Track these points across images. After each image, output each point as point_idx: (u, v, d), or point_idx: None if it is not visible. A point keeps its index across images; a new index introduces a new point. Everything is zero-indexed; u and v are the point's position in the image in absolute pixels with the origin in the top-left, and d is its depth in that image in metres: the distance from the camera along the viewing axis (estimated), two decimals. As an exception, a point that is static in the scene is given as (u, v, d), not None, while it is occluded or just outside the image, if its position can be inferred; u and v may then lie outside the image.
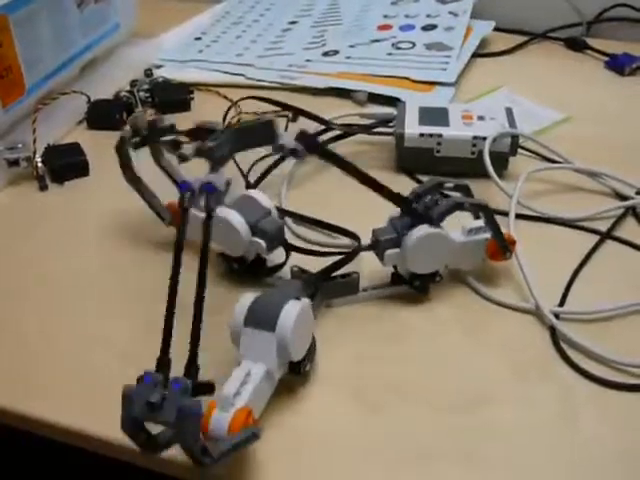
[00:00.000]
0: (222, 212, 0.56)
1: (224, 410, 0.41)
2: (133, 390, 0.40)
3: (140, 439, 0.41)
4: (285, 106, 0.76)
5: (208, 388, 0.43)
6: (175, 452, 0.42)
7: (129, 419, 0.40)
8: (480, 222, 0.56)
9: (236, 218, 0.55)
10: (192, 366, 0.42)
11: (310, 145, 0.55)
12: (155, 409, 0.39)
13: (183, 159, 0.55)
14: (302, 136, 0.55)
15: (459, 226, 0.56)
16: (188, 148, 0.55)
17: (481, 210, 0.55)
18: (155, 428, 0.41)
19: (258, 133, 0.58)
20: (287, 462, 0.45)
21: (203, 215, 0.55)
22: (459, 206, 0.55)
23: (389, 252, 0.54)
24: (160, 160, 0.62)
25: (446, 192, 0.57)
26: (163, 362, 0.42)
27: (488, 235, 0.56)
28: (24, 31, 0.73)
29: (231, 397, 0.42)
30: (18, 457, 0.71)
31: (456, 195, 0.57)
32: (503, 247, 0.56)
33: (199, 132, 0.56)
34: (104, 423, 0.46)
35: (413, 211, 0.54)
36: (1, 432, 0.54)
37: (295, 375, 0.48)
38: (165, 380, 0.41)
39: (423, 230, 0.53)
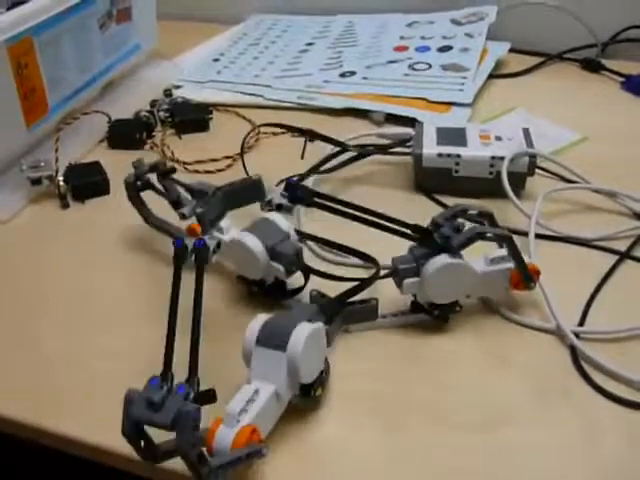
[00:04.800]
0: (240, 236, 0.56)
1: (229, 426, 0.42)
2: (136, 392, 0.42)
3: (139, 444, 0.42)
4: (300, 130, 0.75)
5: (209, 398, 0.44)
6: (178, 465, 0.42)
7: (130, 420, 0.41)
8: (503, 251, 0.55)
9: (253, 242, 0.55)
10: (192, 376, 0.44)
11: (295, 197, 0.60)
12: (155, 408, 0.41)
13: (183, 217, 0.60)
14: (288, 187, 0.59)
15: (482, 254, 0.55)
16: (187, 209, 0.60)
17: (504, 241, 0.54)
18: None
19: (247, 192, 0.63)
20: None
21: (229, 238, 0.57)
22: (480, 236, 0.53)
23: (408, 281, 0.54)
24: (150, 218, 0.66)
25: (470, 219, 0.56)
26: (167, 368, 0.44)
27: (511, 264, 0.55)
28: (48, 53, 0.75)
29: (237, 414, 0.42)
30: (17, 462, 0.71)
31: (478, 222, 0.56)
32: (527, 278, 0.54)
33: (197, 192, 0.61)
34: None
35: (432, 242, 0.53)
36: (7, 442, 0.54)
37: (306, 398, 0.48)
38: (170, 384, 0.43)
39: (442, 260, 0.53)
